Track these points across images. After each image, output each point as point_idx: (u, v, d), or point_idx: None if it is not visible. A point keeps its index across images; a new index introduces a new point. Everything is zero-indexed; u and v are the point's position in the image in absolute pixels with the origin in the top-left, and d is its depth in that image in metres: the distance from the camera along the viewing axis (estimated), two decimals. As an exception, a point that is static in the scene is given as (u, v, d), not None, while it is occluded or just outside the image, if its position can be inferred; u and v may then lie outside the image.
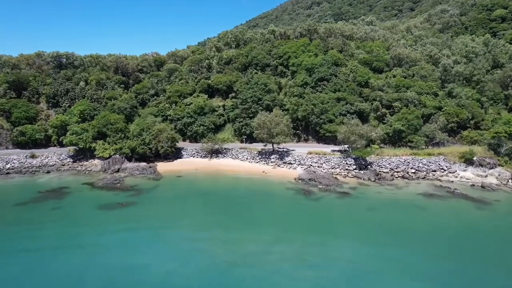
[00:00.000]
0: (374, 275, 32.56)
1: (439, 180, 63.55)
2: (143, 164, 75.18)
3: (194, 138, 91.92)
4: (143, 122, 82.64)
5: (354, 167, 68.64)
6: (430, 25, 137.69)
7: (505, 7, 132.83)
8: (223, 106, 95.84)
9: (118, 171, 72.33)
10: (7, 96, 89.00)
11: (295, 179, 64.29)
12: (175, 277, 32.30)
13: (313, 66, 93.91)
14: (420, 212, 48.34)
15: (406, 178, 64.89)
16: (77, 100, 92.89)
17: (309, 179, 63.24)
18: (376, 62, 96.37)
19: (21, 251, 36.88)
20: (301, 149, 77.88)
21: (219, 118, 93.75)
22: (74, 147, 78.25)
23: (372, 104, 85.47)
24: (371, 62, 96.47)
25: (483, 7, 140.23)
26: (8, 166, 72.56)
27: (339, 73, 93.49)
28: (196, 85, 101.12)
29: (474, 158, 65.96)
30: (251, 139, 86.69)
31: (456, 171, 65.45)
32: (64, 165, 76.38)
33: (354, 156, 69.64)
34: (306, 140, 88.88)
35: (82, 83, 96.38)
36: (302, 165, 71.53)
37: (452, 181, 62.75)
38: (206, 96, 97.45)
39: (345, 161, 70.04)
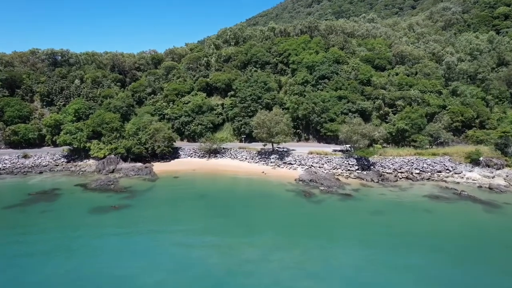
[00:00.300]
0: (382, 285, 30.40)
1: (445, 181, 61.40)
2: (139, 164, 73.03)
3: (192, 138, 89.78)
4: (140, 121, 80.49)
5: (357, 167, 66.50)
6: (432, 23, 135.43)
7: (508, 5, 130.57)
8: (222, 104, 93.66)
9: (113, 171, 70.18)
10: (0, 94, 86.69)
11: (295, 180, 62.17)
12: (167, 288, 30.12)
13: (313, 63, 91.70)
14: (427, 215, 46.17)
15: (410, 179, 62.73)
16: (72, 99, 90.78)
17: (310, 180, 61.09)
18: (378, 59, 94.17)
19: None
20: (301, 149, 75.75)
21: (218, 117, 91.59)
22: (68, 147, 76.12)
23: (374, 102, 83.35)
24: (373, 59, 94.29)
25: (485, 4, 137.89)
26: (-1, 166, 70.43)
27: (340, 71, 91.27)
28: (194, 83, 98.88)
29: (481, 159, 63.83)
30: (250, 138, 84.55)
31: (462, 171, 63.31)
32: (57, 165, 74.20)
33: (356, 156, 67.50)
34: (306, 140, 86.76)
35: (77, 81, 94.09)
36: (303, 165, 69.39)
37: (458, 182, 60.60)
38: (204, 95, 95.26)
39: (347, 161, 67.89)
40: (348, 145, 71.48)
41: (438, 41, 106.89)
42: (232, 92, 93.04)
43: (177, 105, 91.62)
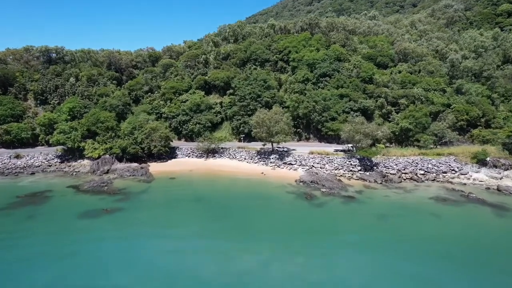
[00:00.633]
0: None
1: (451, 182, 59.19)
2: (134, 165, 70.77)
3: (190, 137, 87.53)
4: (135, 120, 78.18)
5: (359, 168, 64.29)
6: (434, 20, 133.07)
7: (511, 2, 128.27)
8: (220, 103, 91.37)
9: (107, 172, 67.95)
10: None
11: (296, 181, 59.94)
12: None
13: (314, 61, 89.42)
14: (433, 219, 43.94)
15: (415, 180, 60.51)
16: (66, 97, 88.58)
17: (311, 182, 58.87)
18: (381, 57, 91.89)
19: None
20: (302, 149, 73.51)
21: (216, 115, 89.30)
22: (62, 146, 73.88)
23: (376, 101, 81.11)
24: (375, 57, 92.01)
25: (488, 1, 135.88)
26: (-10, 167, 68.18)
27: (342, 69, 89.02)
28: (192, 81, 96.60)
29: (488, 159, 61.59)
30: (249, 138, 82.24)
31: (468, 172, 61.10)
32: (50, 165, 71.95)
33: (359, 157, 65.28)
34: (307, 139, 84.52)
35: (72, 79, 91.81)
36: (304, 166, 67.17)
37: (465, 184, 58.41)
38: (202, 93, 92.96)
39: (350, 161, 65.65)
40: (350, 145, 69.26)
41: (441, 38, 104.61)
42: (231, 90, 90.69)
43: (175, 104, 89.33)
